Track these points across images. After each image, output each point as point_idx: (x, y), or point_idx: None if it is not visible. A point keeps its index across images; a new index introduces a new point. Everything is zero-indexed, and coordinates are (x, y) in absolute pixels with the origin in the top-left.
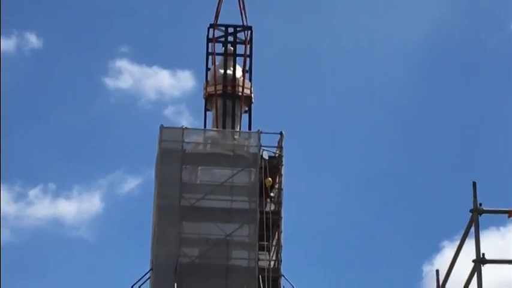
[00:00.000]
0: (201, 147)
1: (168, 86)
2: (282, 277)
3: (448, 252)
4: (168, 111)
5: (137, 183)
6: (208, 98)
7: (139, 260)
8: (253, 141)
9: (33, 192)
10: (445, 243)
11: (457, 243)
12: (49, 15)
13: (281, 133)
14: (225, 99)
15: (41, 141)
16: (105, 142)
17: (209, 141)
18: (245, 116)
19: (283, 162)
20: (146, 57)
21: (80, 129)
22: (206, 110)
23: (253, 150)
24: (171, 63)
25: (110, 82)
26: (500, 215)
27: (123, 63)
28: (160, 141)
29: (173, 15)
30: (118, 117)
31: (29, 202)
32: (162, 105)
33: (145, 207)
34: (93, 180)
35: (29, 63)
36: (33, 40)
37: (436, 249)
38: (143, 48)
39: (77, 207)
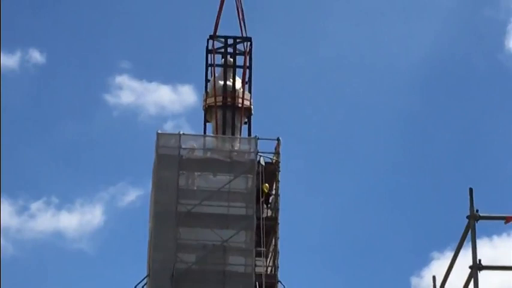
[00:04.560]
0: (197, 153)
1: (169, 101)
2: (279, 283)
3: (437, 264)
4: (168, 126)
5: (138, 195)
6: (208, 110)
7: (137, 267)
8: (250, 147)
9: (35, 205)
10: (435, 254)
11: (448, 253)
12: (51, 32)
13: (278, 139)
14: (225, 111)
15: (44, 155)
16: (106, 155)
17: (207, 148)
18: (244, 127)
19: (280, 168)
20: (146, 72)
21: (82, 143)
22: (206, 121)
23: (250, 156)
24: (171, 78)
25: (110, 98)
26: (493, 223)
27: (123, 79)
28: (157, 147)
29: (172, 30)
30: (119, 131)
31: (31, 215)
32: (162, 119)
33: (145, 218)
34: (95, 192)
35: (33, 79)
36: (36, 56)
37: (425, 261)
38: (143, 64)
39: (78, 220)
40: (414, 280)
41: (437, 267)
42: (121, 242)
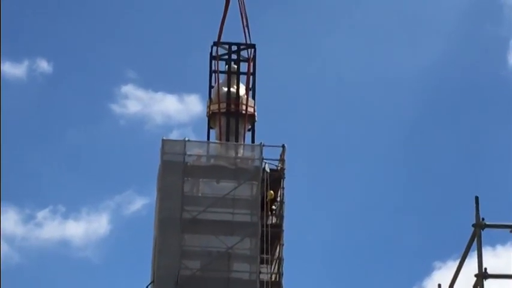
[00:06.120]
0: (203, 159)
1: (175, 111)
2: None
3: (439, 273)
4: (174, 135)
5: (144, 203)
6: (212, 116)
7: (142, 276)
8: (255, 154)
9: (41, 214)
10: (437, 264)
11: (450, 263)
12: (59, 42)
13: (283, 146)
14: (229, 118)
15: (51, 163)
16: (112, 164)
17: (211, 154)
18: (248, 134)
19: (285, 175)
20: (152, 82)
21: (89, 152)
22: (209, 128)
23: (255, 163)
24: (178, 88)
25: (116, 108)
26: (498, 232)
27: (129, 89)
28: (162, 153)
29: (177, 39)
30: (125, 141)
31: (37, 223)
32: (168, 129)
33: (151, 226)
34: (101, 201)
35: (40, 88)
36: (43, 65)
37: (427, 271)
38: (149, 73)
39: (84, 229)
40: None
41: (440, 276)
42: (126, 250)
